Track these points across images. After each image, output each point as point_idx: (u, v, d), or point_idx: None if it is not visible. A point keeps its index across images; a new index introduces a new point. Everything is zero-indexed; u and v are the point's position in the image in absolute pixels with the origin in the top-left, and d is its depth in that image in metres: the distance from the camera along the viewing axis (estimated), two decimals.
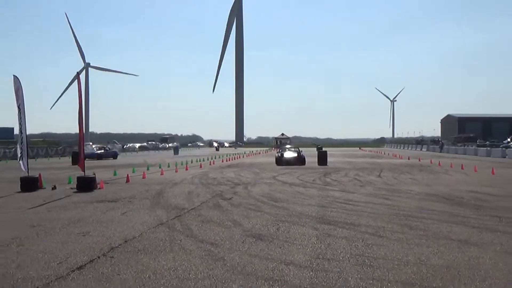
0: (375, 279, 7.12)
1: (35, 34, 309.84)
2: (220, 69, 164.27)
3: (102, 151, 51.65)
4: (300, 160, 39.25)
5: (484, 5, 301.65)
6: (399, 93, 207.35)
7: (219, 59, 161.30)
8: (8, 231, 11.11)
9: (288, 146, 54.91)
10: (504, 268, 7.70)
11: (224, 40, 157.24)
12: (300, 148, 45.83)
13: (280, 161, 39.69)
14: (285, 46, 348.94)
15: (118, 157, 60.35)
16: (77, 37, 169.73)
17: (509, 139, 76.58)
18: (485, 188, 20.24)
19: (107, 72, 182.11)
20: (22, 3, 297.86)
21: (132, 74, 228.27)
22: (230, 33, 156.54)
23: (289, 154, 40.78)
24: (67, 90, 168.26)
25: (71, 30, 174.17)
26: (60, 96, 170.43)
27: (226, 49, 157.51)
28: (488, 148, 62.99)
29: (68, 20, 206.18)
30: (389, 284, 6.89)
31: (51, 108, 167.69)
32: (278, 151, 46.34)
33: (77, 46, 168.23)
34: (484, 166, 35.00)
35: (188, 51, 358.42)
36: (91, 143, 50.29)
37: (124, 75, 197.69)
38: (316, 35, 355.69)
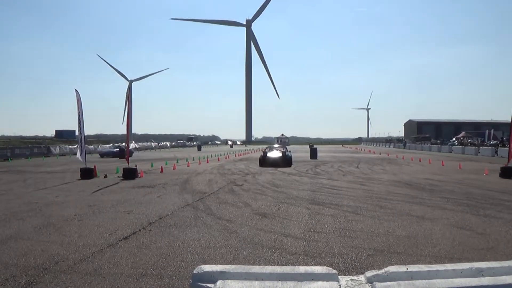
0: (353, 247, 7.10)
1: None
2: (192, 20, 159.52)
3: (118, 149, 45.31)
4: (285, 161, 27.78)
5: (433, 37, 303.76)
6: (369, 100, 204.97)
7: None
8: (72, 209, 11.16)
9: (276, 145, 38.84)
10: (450, 237, 7.76)
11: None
12: (287, 147, 34.96)
13: (264, 162, 27.91)
14: (285, 65, 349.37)
15: (154, 152, 60.50)
16: (117, 68, 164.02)
17: (454, 139, 76.33)
18: (436, 176, 20.17)
19: (146, 80, 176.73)
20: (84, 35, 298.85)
21: (164, 69, 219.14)
22: (218, 22, 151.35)
23: (273, 154, 28.80)
24: (125, 105, 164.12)
25: (109, 64, 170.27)
26: (124, 111, 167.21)
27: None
28: (439, 146, 62.68)
29: (103, 58, 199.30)
30: (364, 251, 6.87)
31: (122, 123, 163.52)
32: (264, 150, 31.58)
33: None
34: (436, 159, 34.84)
35: (210, 69, 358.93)
36: (108, 146, 50.12)
37: (159, 74, 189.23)
38: (310, 57, 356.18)
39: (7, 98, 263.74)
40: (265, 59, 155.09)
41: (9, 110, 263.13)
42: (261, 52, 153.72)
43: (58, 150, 50.93)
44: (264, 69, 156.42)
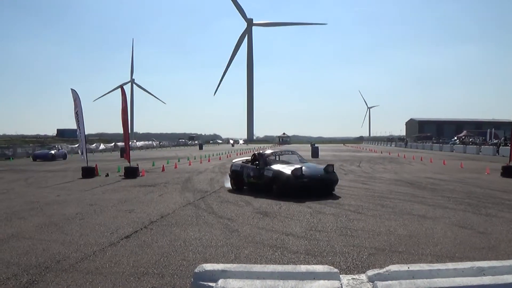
0: (355, 246, 7.09)
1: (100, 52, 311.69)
2: (223, 78, 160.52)
3: (54, 151, 38.65)
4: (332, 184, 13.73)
5: (434, 37, 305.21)
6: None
7: (224, 70, 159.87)
8: (73, 208, 11.18)
9: (268, 151, 16.36)
10: (451, 236, 7.74)
11: (230, 56, 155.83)
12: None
13: (288, 186, 12.75)
14: (287, 64, 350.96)
15: (156, 151, 60.49)
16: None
17: (455, 138, 76.22)
18: (438, 175, 20.14)
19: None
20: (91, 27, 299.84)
21: (161, 101, 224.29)
22: (235, 53, 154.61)
23: (311, 170, 13.54)
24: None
25: (131, 53, 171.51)
26: (103, 95, 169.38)
27: (232, 64, 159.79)
28: (441, 145, 62.58)
29: (133, 45, 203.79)
30: (365, 250, 6.86)
31: (94, 101, 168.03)
32: (265, 157, 14.56)
33: (131, 66, 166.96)
34: (438, 158, 34.77)
35: (211, 68, 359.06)
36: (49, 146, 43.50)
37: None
38: (312, 55, 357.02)
39: (9, 97, 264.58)
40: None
41: (10, 109, 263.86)
42: (275, 22, 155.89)
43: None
44: (294, 24, 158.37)
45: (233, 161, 16.20)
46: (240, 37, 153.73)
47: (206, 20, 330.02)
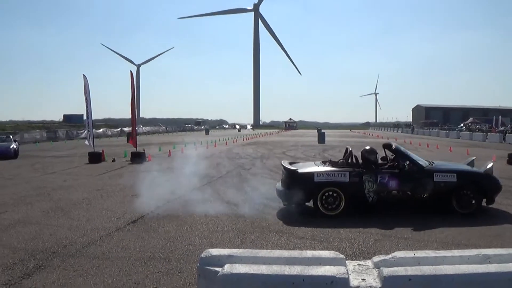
0: (361, 232, 7.11)
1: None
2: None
3: (16, 145, 25.29)
4: None
5: (441, 22, 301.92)
6: (377, 82, 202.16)
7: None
8: (80, 193, 11.26)
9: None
10: (457, 223, 7.72)
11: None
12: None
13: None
14: (293, 49, 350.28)
15: (162, 136, 60.45)
16: (124, 53, 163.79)
17: (462, 124, 75.79)
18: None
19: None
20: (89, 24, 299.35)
21: (169, 49, 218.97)
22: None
23: None
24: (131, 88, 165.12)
25: (114, 52, 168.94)
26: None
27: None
28: (447, 131, 62.22)
29: (105, 45, 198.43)
30: (371, 236, 6.88)
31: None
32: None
33: (124, 58, 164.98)
34: (444, 145, 34.59)
35: (218, 53, 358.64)
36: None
37: (166, 54, 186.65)
38: (318, 41, 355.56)
39: (16, 83, 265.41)
40: (279, 39, 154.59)
41: (17, 95, 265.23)
42: (274, 33, 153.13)
43: (66, 134, 51.12)
44: (281, 50, 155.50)
45: (302, 169, 9.21)
46: (241, 9, 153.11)
47: (214, 4, 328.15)
